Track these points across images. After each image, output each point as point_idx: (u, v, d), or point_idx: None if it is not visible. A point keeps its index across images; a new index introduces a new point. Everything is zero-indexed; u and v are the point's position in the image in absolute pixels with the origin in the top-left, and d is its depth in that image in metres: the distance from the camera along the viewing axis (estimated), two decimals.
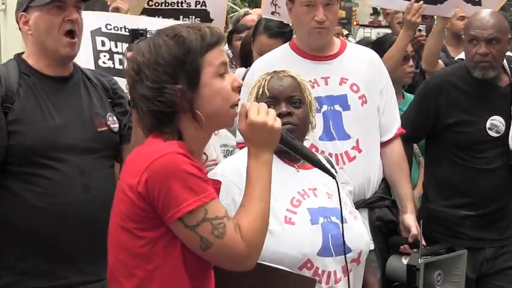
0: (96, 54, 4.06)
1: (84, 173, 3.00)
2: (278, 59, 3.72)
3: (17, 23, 3.14)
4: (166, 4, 4.86)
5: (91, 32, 4.09)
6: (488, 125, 4.09)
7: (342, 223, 2.65)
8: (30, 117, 2.98)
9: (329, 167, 3.00)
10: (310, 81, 3.40)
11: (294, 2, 3.72)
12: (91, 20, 4.04)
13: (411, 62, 4.87)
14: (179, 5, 4.92)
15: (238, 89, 2.30)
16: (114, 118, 3.17)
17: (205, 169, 2.34)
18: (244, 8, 10.05)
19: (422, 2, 4.74)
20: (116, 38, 4.18)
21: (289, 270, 2.52)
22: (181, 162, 2.16)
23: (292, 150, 2.42)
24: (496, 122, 4.10)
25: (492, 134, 4.09)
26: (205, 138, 2.33)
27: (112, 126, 3.15)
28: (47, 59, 3.08)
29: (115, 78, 3.40)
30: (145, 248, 2.20)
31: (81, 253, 3.01)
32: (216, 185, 2.34)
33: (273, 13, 4.75)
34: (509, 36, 4.13)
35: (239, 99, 2.30)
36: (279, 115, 2.82)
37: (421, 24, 5.65)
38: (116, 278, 2.28)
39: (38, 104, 3.01)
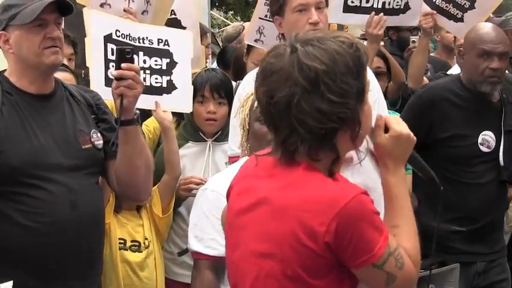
0: (107, 64, 3.74)
1: (71, 190, 2.97)
2: None
3: None
4: None
5: (104, 37, 3.75)
6: (480, 140, 4.06)
7: None
8: (14, 136, 2.95)
9: None
10: None
11: (284, 13, 3.64)
12: (103, 23, 3.77)
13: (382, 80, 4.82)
14: None
15: None
16: (98, 135, 3.14)
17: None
18: (239, 22, 10.01)
19: (382, 14, 4.63)
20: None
21: None
22: (368, 203, 2.01)
23: (415, 167, 2.38)
24: (487, 138, 4.08)
25: (483, 149, 4.07)
26: None
27: (96, 143, 3.11)
28: (30, 76, 3.05)
29: None
30: None
31: (70, 270, 2.98)
32: None
33: (256, 40, 4.66)
34: None
35: None
36: None
37: (414, 36, 5.65)
38: None
39: (21, 122, 2.98)
